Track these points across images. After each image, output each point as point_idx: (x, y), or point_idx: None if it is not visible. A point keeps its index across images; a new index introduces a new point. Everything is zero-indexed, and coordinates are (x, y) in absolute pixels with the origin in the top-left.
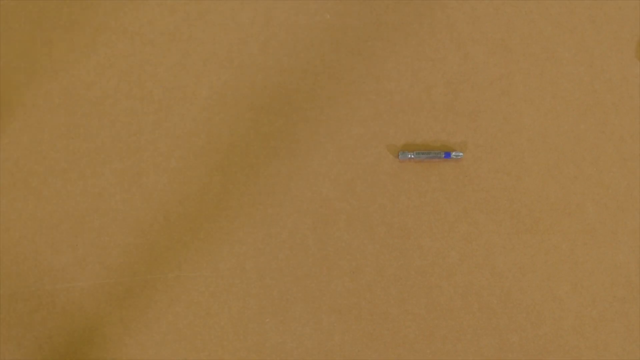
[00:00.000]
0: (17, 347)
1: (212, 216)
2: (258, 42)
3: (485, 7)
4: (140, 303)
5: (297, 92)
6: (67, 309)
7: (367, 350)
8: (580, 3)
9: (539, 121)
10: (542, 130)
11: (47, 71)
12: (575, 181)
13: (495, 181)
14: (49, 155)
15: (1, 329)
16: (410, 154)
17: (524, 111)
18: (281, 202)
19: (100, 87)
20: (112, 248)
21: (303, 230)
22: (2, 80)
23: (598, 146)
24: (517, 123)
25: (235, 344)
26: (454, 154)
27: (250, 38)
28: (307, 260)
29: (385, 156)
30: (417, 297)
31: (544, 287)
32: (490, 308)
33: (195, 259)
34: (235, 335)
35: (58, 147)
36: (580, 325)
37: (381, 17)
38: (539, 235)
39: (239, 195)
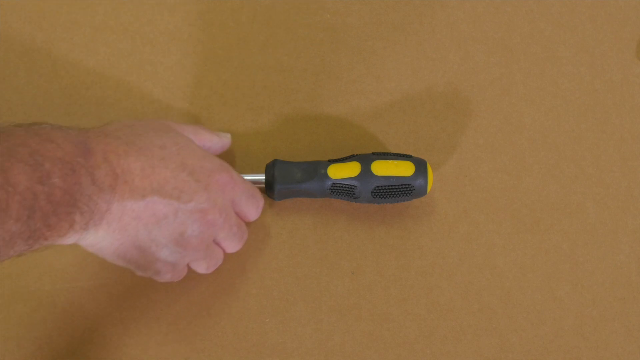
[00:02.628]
0: (17, 347)
1: None
2: (258, 42)
3: (485, 7)
4: (140, 303)
5: (297, 92)
6: (67, 309)
7: (367, 350)
8: (581, 3)
9: (539, 121)
10: (542, 130)
11: (47, 71)
12: (575, 181)
13: (495, 181)
14: None
15: (1, 329)
16: None
17: (524, 111)
18: (282, 202)
19: (100, 87)
20: None
21: (303, 230)
22: (2, 80)
23: (598, 146)
24: (517, 123)
25: (235, 344)
26: None
27: (250, 38)
28: (307, 260)
29: None
30: (417, 297)
31: (544, 287)
32: (490, 308)
33: None
34: (235, 335)
35: None
36: (580, 325)
37: (381, 16)
38: (539, 235)
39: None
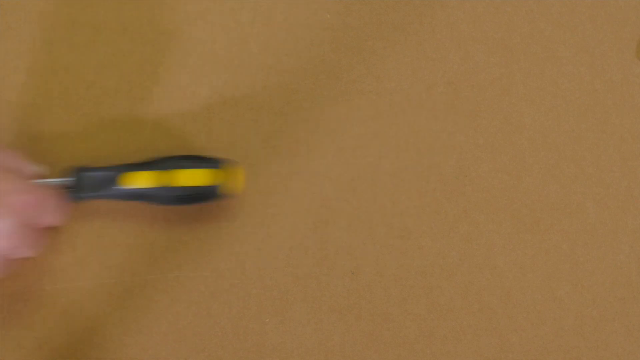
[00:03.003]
0: (17, 347)
1: (212, 216)
2: (258, 42)
3: (485, 7)
4: (140, 303)
5: (297, 92)
6: (67, 309)
7: (367, 350)
8: (581, 3)
9: (539, 121)
10: (542, 130)
11: (47, 71)
12: (575, 181)
13: (495, 181)
14: (48, 155)
15: (1, 329)
16: None
17: (524, 111)
18: (281, 202)
19: (100, 87)
20: (112, 248)
21: (303, 230)
22: (2, 80)
23: (598, 146)
24: (517, 123)
25: (235, 344)
26: None
27: (250, 38)
28: (307, 260)
29: (385, 156)
30: (417, 297)
31: (544, 287)
32: (490, 308)
33: (195, 259)
34: (235, 335)
35: (58, 147)
36: (580, 325)
37: (381, 16)
38: (539, 235)
39: (239, 195)
